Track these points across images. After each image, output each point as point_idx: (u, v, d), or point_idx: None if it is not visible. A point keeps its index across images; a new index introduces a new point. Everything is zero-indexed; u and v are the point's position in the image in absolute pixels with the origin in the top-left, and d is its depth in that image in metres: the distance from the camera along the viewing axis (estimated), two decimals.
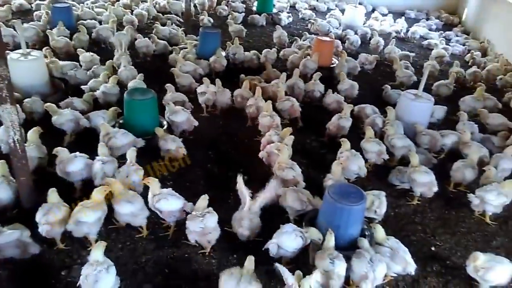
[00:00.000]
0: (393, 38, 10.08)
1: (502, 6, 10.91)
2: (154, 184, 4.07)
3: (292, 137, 5.18)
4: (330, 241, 3.62)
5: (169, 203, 4.00)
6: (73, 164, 4.38)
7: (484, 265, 3.67)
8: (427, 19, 13.85)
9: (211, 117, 6.50)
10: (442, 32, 12.52)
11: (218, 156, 5.58)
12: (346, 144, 5.17)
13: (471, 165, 5.17)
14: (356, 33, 10.81)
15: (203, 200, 3.97)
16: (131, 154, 4.54)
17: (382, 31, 11.28)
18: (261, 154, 5.18)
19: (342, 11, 12.91)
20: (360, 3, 14.33)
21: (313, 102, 7.04)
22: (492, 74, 8.62)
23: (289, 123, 6.21)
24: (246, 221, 3.95)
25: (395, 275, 3.82)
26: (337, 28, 11.28)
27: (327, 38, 8.72)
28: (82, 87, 6.41)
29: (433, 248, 4.37)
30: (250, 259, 3.33)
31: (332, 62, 8.61)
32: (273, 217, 4.28)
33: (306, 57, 8.13)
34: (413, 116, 6.23)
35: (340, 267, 3.46)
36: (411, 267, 3.71)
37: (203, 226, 3.77)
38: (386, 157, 5.36)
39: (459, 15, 14.31)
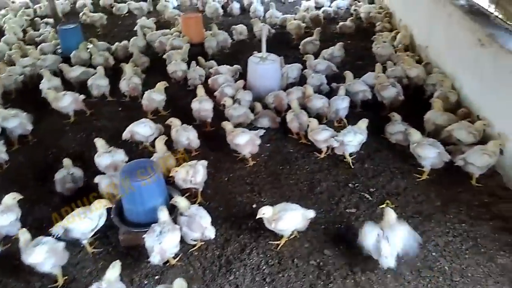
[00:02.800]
0: (270, 2, 10.06)
1: None
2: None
3: None
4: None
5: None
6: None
7: (274, 217, 3.77)
8: None
9: None
10: None
11: None
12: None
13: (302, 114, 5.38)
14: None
15: None
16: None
17: None
18: None
19: None
20: None
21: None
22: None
23: None
24: None
25: (194, 242, 3.91)
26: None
27: (194, 14, 8.60)
28: None
29: (254, 206, 4.46)
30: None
31: (205, 37, 8.53)
32: None
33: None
34: (261, 79, 6.28)
35: None
36: (209, 232, 3.78)
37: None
38: None
39: None
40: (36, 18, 10.57)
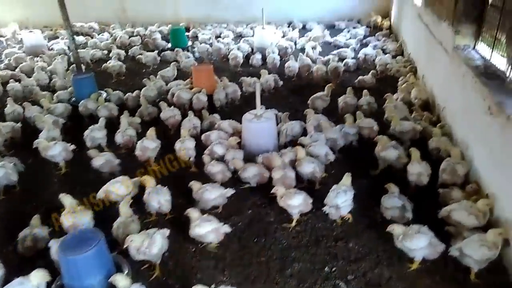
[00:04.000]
0: (291, 54, 9.90)
1: (410, 5, 10.61)
2: None
3: None
4: None
5: None
6: None
7: None
8: (354, 28, 13.60)
9: None
10: (360, 38, 12.23)
11: None
12: None
13: None
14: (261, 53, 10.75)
15: None
16: None
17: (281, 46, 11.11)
18: None
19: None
20: (290, 23, 14.41)
21: None
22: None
23: None
24: None
25: None
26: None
27: (205, 66, 8.57)
28: None
29: (212, 286, 4.00)
30: None
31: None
32: None
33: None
34: (255, 137, 5.95)
35: None
36: None
37: None
38: None
39: (390, 17, 14.02)
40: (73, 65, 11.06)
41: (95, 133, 6.42)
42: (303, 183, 5.38)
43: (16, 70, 10.37)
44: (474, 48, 5.87)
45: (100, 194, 5.03)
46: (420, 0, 8.85)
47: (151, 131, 6.07)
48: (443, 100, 6.55)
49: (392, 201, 4.62)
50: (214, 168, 5.38)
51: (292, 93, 8.73)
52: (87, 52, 11.48)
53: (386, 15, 14.23)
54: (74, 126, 7.41)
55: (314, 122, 6.28)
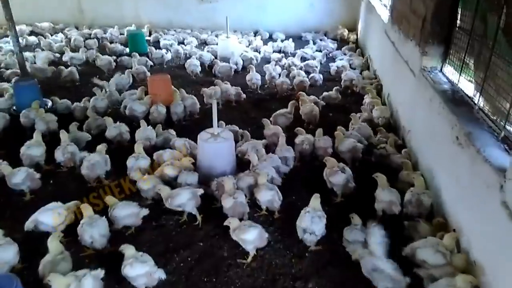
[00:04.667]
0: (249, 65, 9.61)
1: (376, 20, 10.49)
2: None
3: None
4: None
5: None
6: None
7: None
8: (321, 40, 13.40)
9: None
10: (327, 52, 12.02)
11: None
12: None
13: None
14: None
15: None
16: None
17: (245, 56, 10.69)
18: None
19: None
20: (256, 32, 14.04)
21: None
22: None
23: None
24: None
25: None
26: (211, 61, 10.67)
27: (161, 76, 8.03)
28: None
29: None
30: None
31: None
32: None
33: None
34: (211, 159, 5.48)
35: None
36: None
37: None
38: None
39: (357, 31, 13.94)
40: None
41: (32, 151, 5.72)
42: (260, 211, 4.97)
43: None
44: (441, 70, 5.66)
45: (29, 225, 4.39)
46: (386, 16, 8.68)
47: (101, 147, 5.62)
48: (408, 122, 6.32)
49: (354, 235, 4.29)
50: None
51: (254, 107, 8.33)
52: (43, 54, 10.58)
53: (353, 28, 14.13)
54: (13, 139, 6.63)
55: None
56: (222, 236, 4.63)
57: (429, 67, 5.69)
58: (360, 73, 9.73)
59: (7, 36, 12.95)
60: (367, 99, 7.97)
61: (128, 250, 3.87)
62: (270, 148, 6.07)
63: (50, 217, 4.35)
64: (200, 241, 4.59)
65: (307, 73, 9.60)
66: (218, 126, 6.60)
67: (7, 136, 6.77)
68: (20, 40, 12.06)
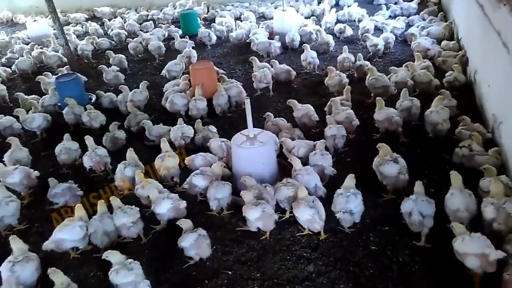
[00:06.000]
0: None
1: None
2: None
3: None
4: None
5: None
6: None
7: None
8: (395, 3, 11.65)
9: None
10: (406, 17, 10.35)
11: None
12: None
13: None
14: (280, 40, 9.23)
15: None
16: None
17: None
18: None
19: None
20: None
21: None
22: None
23: None
24: None
25: None
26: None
27: (203, 63, 7.28)
28: None
29: None
30: None
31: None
32: None
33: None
34: (247, 166, 4.70)
35: None
36: None
37: None
38: None
39: None
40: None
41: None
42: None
43: None
44: None
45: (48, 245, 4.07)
46: None
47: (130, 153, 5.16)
48: (500, 112, 4.92)
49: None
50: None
51: (309, 92, 7.31)
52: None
53: None
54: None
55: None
56: (257, 260, 3.91)
57: None
58: (439, 44, 8.11)
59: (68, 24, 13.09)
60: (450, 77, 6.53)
61: (115, 257, 3.58)
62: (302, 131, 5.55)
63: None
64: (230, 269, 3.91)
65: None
66: (265, 118, 5.86)
67: (51, 136, 6.55)
68: (80, 28, 12.35)
